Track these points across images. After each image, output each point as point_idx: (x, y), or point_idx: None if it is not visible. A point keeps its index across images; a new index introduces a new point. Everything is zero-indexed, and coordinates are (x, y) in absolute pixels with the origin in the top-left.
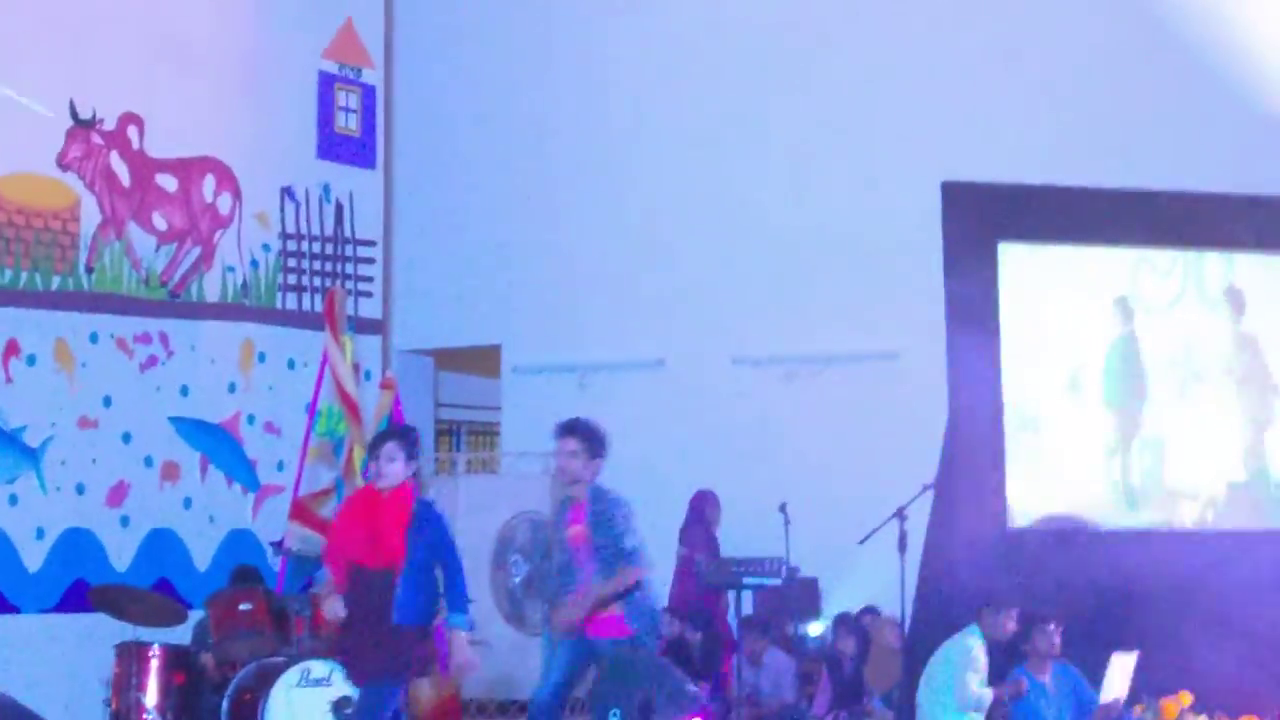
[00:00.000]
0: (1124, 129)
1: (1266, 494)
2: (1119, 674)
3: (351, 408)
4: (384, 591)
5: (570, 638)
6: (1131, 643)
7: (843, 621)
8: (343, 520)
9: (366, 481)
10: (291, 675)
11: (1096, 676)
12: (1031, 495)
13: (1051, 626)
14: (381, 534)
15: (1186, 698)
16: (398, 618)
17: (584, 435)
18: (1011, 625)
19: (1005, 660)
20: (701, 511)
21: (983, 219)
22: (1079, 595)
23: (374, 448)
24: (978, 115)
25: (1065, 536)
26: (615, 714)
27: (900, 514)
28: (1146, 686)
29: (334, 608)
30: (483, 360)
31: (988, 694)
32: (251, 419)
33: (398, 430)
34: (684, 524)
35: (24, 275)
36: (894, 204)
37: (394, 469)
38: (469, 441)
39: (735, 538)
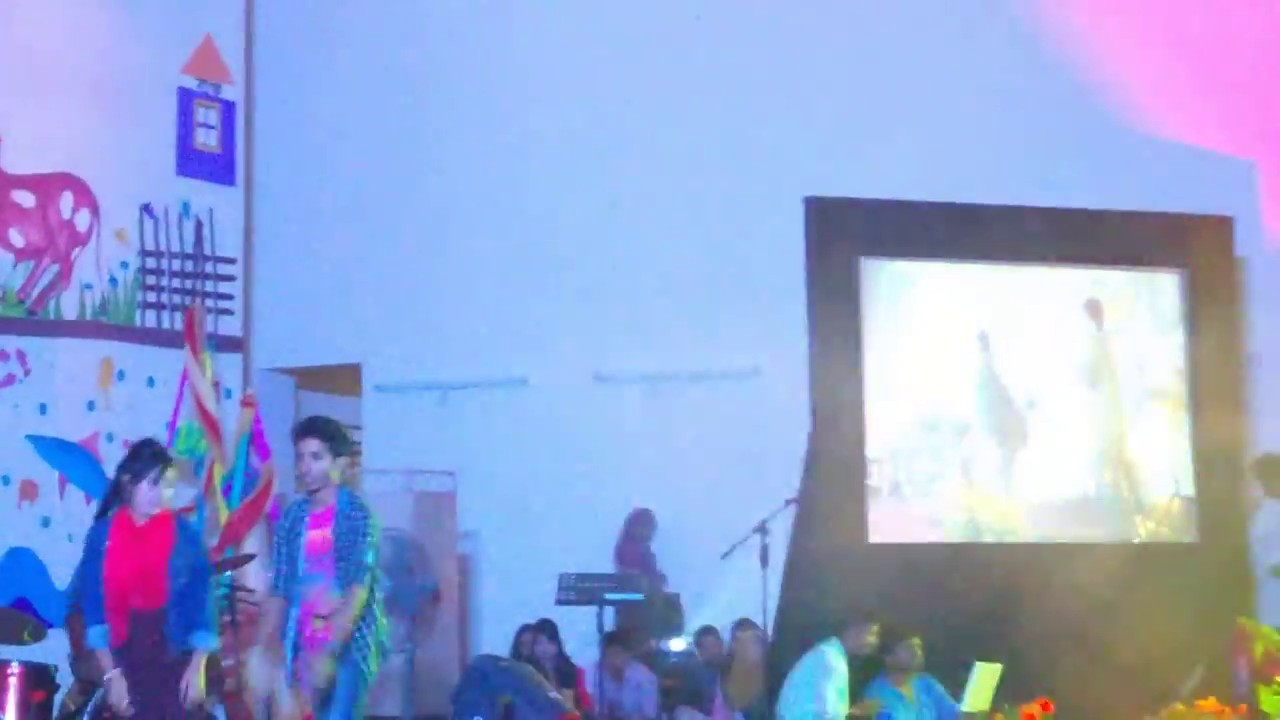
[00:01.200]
0: (987, 145)
1: (1123, 506)
2: (983, 684)
3: (211, 426)
4: (157, 629)
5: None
6: (993, 655)
7: (707, 633)
8: (112, 563)
9: (227, 499)
10: None
11: (956, 688)
12: (894, 511)
13: (914, 641)
14: (151, 571)
15: (1045, 705)
16: (171, 651)
17: (324, 434)
18: (872, 639)
19: (866, 673)
20: (631, 529)
21: (845, 234)
22: (941, 608)
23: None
24: (841, 131)
25: (926, 550)
26: None
27: (762, 528)
28: (1008, 696)
29: (120, 692)
30: (344, 379)
31: (841, 711)
32: (111, 437)
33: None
34: (618, 541)
35: None
36: (757, 219)
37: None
38: None
39: (597, 554)
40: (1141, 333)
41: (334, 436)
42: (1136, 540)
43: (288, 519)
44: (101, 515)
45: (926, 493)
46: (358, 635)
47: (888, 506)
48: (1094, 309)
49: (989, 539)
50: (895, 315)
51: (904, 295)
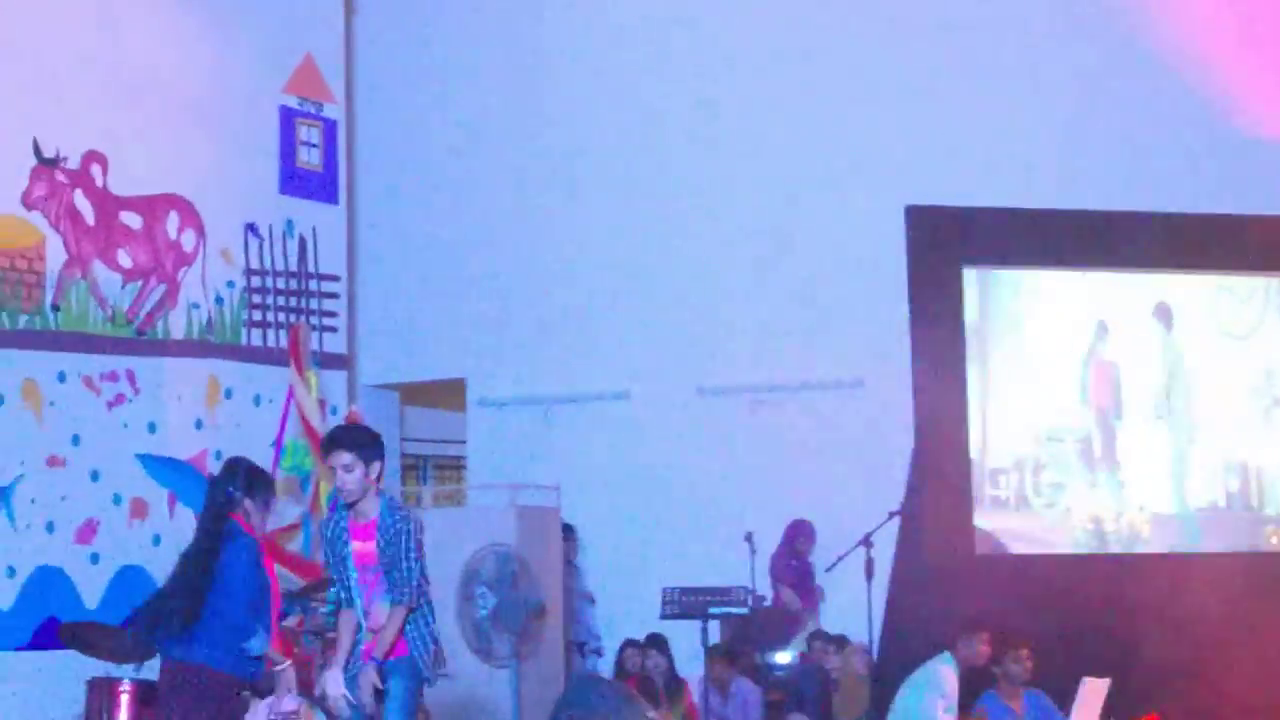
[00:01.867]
0: (1089, 151)
1: (1237, 516)
2: (1090, 700)
3: (316, 443)
4: None
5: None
6: (1101, 668)
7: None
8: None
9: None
10: (260, 710)
11: (1065, 703)
12: (1002, 520)
13: (1023, 652)
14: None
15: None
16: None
17: (353, 444)
18: (985, 650)
19: (975, 685)
20: (792, 541)
21: (946, 243)
22: (1048, 620)
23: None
24: (941, 139)
25: (1034, 561)
26: None
27: (867, 541)
28: (1116, 711)
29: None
30: (448, 394)
31: None
32: (219, 455)
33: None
34: (775, 553)
35: None
36: (858, 230)
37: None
38: (435, 475)
39: (701, 567)
40: (1269, 339)
41: (363, 444)
42: (1264, 550)
43: (329, 530)
44: (217, 528)
45: (1053, 503)
46: (411, 648)
47: (1015, 518)
48: (1214, 316)
49: (1116, 549)
50: (1003, 323)
51: (1010, 303)
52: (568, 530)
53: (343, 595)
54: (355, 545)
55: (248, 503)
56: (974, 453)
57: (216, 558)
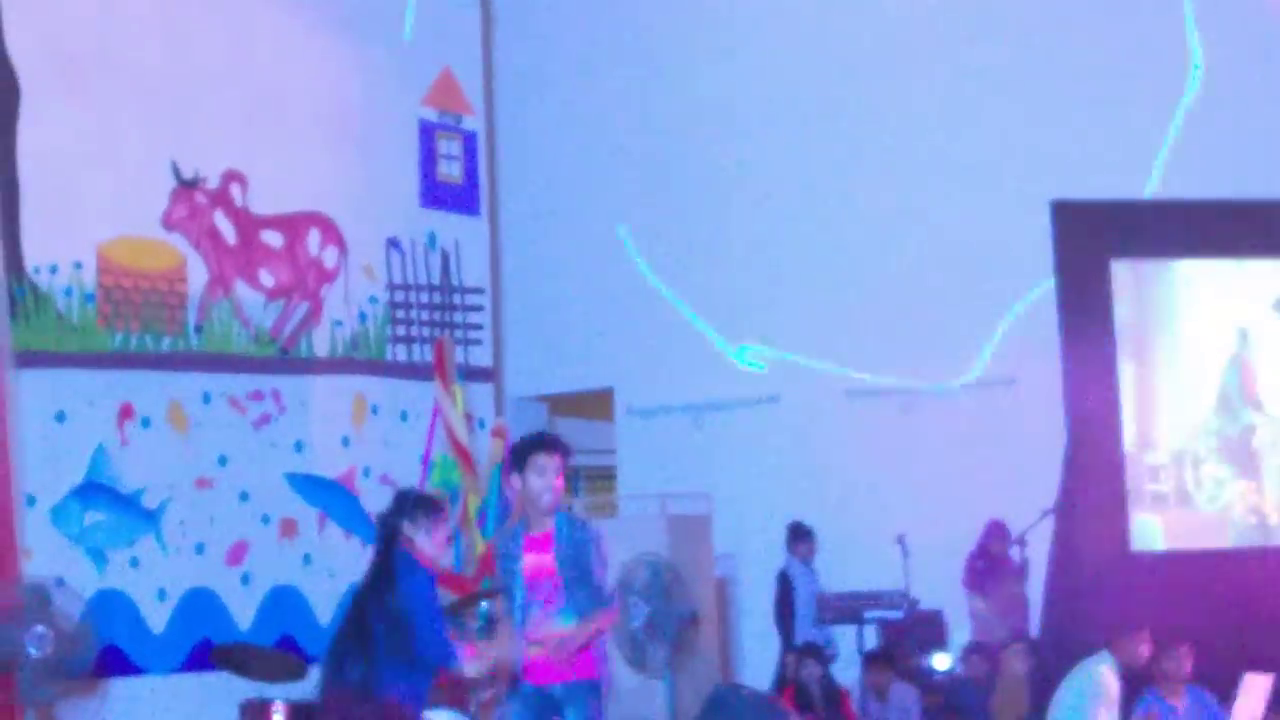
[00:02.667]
0: (1236, 141)
1: None
2: (1253, 696)
3: (464, 457)
4: None
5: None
6: (1262, 664)
7: (975, 650)
8: None
9: (482, 529)
10: None
11: (1225, 699)
12: (1159, 517)
13: (1182, 649)
14: None
15: None
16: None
17: (567, 451)
18: (1145, 650)
19: (1135, 684)
20: (988, 542)
21: (1094, 237)
22: (1206, 617)
23: None
24: (1087, 133)
25: (1191, 557)
26: None
27: (1021, 540)
28: (1276, 708)
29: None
30: (596, 404)
31: None
32: (367, 472)
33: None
34: (971, 553)
35: (134, 338)
36: (1007, 226)
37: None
38: (586, 486)
39: (854, 571)
40: None
41: (565, 452)
42: None
43: (503, 546)
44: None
45: (1215, 498)
46: (597, 667)
47: (1176, 513)
48: None
49: (1256, 542)
50: (1155, 317)
51: (1161, 296)
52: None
53: (518, 614)
54: (528, 559)
55: (419, 534)
56: (1130, 448)
57: (393, 591)
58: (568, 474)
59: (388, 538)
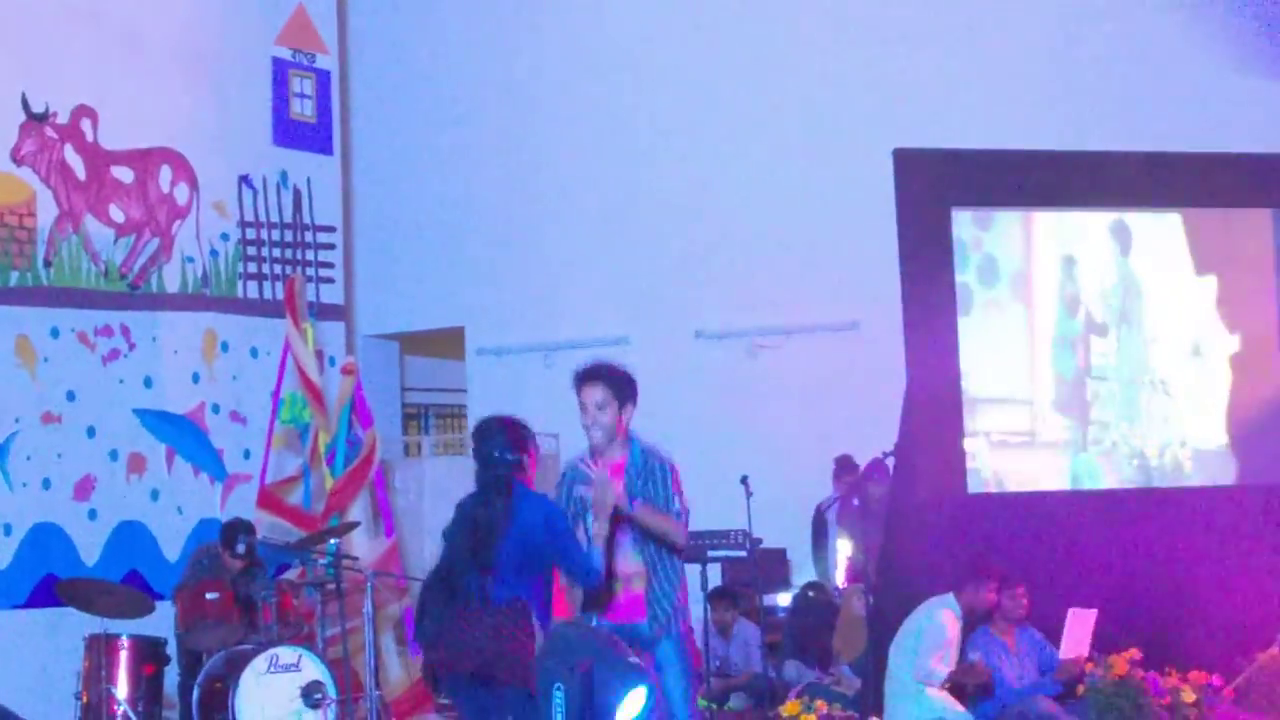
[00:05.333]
0: (1072, 92)
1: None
2: (1078, 630)
3: (315, 394)
4: None
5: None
6: (1086, 601)
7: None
8: None
9: (331, 467)
10: (260, 662)
11: (1052, 636)
12: (990, 459)
13: (1020, 590)
14: None
15: (1134, 654)
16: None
17: (611, 380)
18: (991, 596)
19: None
20: (864, 485)
21: (935, 185)
22: (1035, 556)
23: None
24: (928, 82)
25: (1021, 499)
26: (559, 690)
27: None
28: (1098, 644)
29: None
30: (447, 343)
31: (942, 671)
32: (216, 408)
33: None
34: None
35: None
36: (849, 173)
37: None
38: (436, 424)
39: (700, 511)
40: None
41: (621, 383)
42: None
43: (563, 485)
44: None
45: (1053, 442)
46: (650, 605)
47: (1013, 454)
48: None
49: (1081, 486)
50: (995, 261)
51: (1001, 241)
52: None
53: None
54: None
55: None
56: (969, 391)
57: (520, 518)
58: (418, 413)
59: (506, 474)
